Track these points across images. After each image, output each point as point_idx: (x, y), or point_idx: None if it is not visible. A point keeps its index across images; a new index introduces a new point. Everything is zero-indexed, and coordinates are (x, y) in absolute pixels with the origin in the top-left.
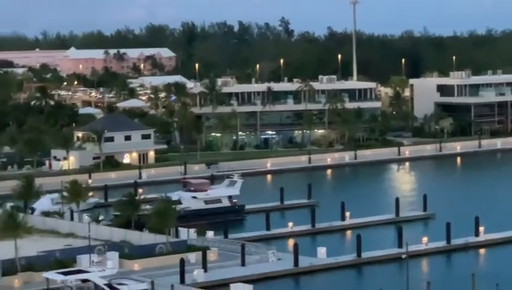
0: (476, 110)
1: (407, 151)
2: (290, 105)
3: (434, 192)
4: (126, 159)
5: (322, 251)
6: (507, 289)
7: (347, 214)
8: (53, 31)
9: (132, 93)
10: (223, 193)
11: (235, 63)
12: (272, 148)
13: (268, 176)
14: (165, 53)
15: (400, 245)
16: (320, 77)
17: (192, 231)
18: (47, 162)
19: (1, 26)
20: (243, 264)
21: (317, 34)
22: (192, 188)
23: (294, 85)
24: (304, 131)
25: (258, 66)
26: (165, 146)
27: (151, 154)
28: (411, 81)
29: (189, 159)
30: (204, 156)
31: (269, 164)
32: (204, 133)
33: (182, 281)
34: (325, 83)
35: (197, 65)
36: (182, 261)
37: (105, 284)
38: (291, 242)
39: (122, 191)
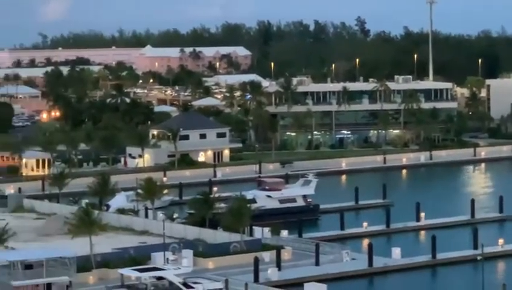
0: None
1: (483, 152)
2: (365, 105)
3: (510, 193)
4: (201, 158)
5: (396, 251)
6: None
7: (422, 214)
8: (129, 29)
9: (207, 92)
10: (297, 192)
11: (311, 62)
12: (347, 148)
13: (343, 176)
14: (240, 52)
15: (475, 247)
16: (396, 76)
17: (266, 229)
18: (122, 159)
19: (78, 24)
20: (317, 263)
21: (393, 34)
22: (266, 187)
23: (369, 85)
24: (379, 131)
25: (333, 65)
26: (240, 145)
27: (226, 152)
28: (488, 81)
29: (264, 158)
30: (279, 155)
31: (344, 163)
32: (279, 132)
33: (256, 279)
34: (401, 83)
35: (272, 64)
36: (256, 260)
37: (180, 282)
38: (365, 242)
39: (197, 189)
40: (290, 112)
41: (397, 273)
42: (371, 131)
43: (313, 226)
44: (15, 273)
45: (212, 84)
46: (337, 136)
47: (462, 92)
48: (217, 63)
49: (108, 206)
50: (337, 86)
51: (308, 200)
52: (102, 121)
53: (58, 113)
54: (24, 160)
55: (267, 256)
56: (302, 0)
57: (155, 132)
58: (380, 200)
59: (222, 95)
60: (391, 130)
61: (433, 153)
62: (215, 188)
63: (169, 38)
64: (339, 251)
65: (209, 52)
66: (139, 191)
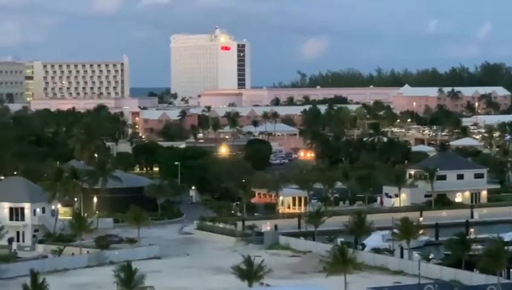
0: None
1: None
2: None
3: None
4: (458, 198)
5: None
6: None
7: None
8: (387, 68)
9: (465, 132)
10: None
11: None
12: None
13: None
14: (500, 92)
15: None
16: None
17: None
18: (378, 198)
19: (336, 63)
20: None
21: None
22: None
23: None
24: None
25: None
26: (498, 186)
27: (484, 193)
28: None
29: None
30: None
31: None
32: None
33: None
34: None
35: None
36: None
37: None
38: None
39: (453, 230)
40: None
41: None
42: None
43: None
44: None
45: (470, 124)
46: None
47: None
48: (476, 103)
49: (363, 245)
50: None
51: None
52: (359, 159)
53: (315, 152)
54: (281, 197)
55: None
56: None
57: (412, 172)
58: None
59: (480, 135)
60: None
61: None
62: (471, 229)
63: (427, 78)
64: None
65: (467, 92)
66: (395, 230)
